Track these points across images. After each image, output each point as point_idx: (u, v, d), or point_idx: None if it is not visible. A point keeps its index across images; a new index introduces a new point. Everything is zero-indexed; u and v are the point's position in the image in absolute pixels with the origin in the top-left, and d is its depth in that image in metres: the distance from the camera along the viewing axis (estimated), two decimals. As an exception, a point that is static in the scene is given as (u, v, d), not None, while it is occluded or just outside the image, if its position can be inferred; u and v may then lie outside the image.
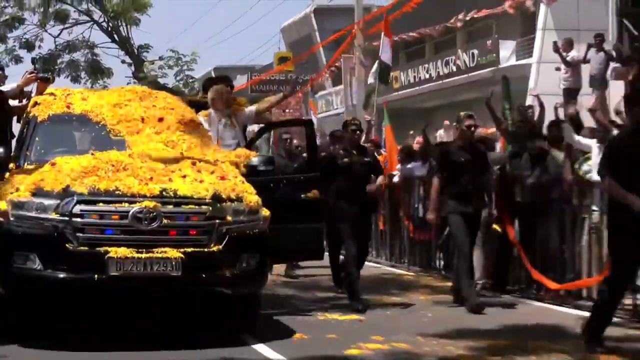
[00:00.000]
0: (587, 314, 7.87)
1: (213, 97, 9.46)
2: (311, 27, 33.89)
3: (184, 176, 7.64)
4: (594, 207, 9.51)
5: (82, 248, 7.14)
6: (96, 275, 7.10)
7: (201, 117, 9.15)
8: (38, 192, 7.33)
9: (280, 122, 10.41)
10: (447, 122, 16.53)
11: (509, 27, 23.47)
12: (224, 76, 10.39)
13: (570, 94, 16.48)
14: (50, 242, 7.18)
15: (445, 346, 7.53)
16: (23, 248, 7.24)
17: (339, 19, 28.45)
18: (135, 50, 20.85)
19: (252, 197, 7.75)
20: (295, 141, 12.19)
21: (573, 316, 8.81)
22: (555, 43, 17.23)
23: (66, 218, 7.18)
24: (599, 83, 16.44)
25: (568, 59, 16.79)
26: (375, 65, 17.26)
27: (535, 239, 10.22)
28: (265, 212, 7.83)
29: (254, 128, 11.07)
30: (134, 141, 8.27)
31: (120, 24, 20.84)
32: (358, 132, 10.13)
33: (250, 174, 8.37)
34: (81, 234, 7.17)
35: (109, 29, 21.13)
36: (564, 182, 9.92)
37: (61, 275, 7.16)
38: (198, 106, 9.42)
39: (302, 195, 9.10)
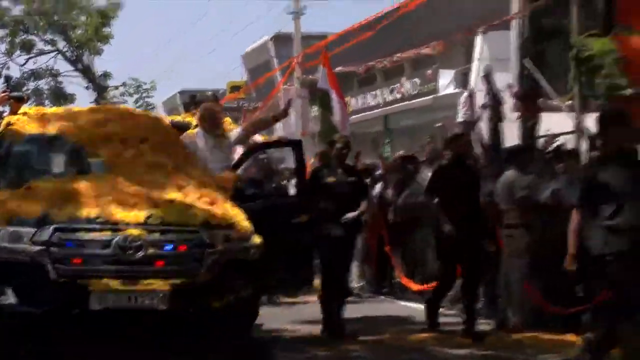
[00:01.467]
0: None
1: (201, 117, 8.93)
2: (269, 54, 34.91)
3: (171, 201, 7.12)
4: None
5: (61, 280, 6.59)
6: (76, 310, 6.56)
7: (187, 138, 8.64)
8: (13, 220, 6.78)
9: (267, 144, 9.87)
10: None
11: (454, 56, 24.57)
12: (212, 94, 9.87)
13: (468, 126, 16.65)
14: (27, 274, 6.62)
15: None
16: (-4, 281, 6.65)
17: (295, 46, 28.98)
18: (98, 78, 21.44)
19: (243, 223, 7.25)
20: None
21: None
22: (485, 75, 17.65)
23: (44, 248, 6.62)
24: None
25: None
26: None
27: (406, 249, 11.91)
28: (257, 239, 7.33)
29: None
30: (115, 163, 7.74)
31: (83, 53, 22.21)
32: (344, 150, 9.69)
33: (237, 197, 7.87)
34: (60, 265, 6.61)
35: (73, 58, 22.44)
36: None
37: (38, 311, 6.58)
38: (180, 127, 8.92)
39: (292, 221, 8.61)
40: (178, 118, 9.75)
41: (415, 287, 11.27)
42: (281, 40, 33.58)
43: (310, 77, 22.96)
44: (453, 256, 9.05)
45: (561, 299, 8.53)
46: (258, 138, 9.70)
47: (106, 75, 22.78)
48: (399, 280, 11.89)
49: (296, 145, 8.89)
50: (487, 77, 16.72)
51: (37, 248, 6.63)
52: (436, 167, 10.31)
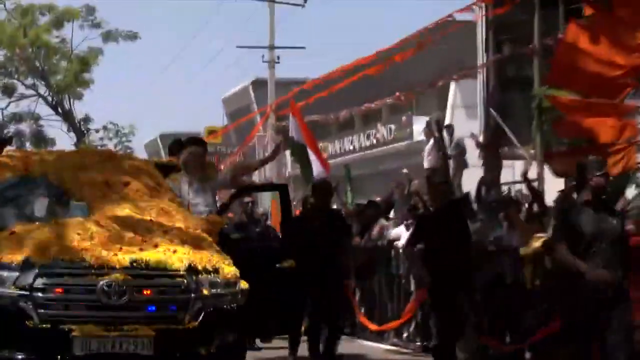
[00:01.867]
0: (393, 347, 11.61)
1: (187, 160, 8.86)
2: (249, 98, 35.36)
3: (156, 245, 7.01)
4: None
5: (43, 325, 6.44)
6: (59, 356, 6.41)
7: (171, 181, 8.55)
8: (-5, 264, 6.65)
9: (254, 187, 9.82)
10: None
11: (429, 102, 25.50)
12: (197, 138, 9.80)
13: (433, 172, 16.95)
14: (8, 319, 6.46)
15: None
16: (-23, 326, 6.50)
17: (276, 91, 29.31)
18: (78, 122, 21.75)
19: (229, 268, 7.14)
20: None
21: (381, 350, 11.24)
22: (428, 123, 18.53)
23: (26, 292, 6.48)
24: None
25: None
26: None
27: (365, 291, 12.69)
28: (244, 284, 7.23)
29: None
30: (99, 207, 7.65)
31: (63, 98, 22.72)
32: (327, 195, 9.66)
33: (222, 241, 7.78)
34: (43, 310, 6.47)
35: (54, 102, 22.97)
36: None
37: (20, 357, 6.44)
38: (165, 170, 8.83)
39: (277, 265, 8.53)
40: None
41: (373, 327, 12.12)
42: (261, 85, 33.60)
43: (283, 123, 23.33)
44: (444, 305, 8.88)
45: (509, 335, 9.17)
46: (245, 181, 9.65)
47: (86, 120, 22.79)
48: (359, 320, 12.58)
49: (282, 189, 8.83)
50: (436, 125, 17.58)
51: (20, 292, 6.50)
52: (419, 215, 10.45)
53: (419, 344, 11.45)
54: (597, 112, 9.20)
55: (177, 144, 9.57)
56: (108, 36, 22.23)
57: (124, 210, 7.62)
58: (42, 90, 23.28)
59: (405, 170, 16.20)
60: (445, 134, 17.79)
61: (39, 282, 6.53)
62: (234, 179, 9.23)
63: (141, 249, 6.90)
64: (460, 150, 18.00)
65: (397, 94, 20.84)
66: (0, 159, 8.15)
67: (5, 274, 6.58)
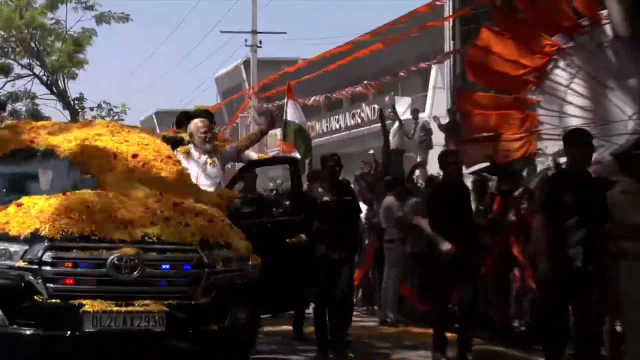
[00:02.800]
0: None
1: (193, 132, 8.67)
2: (241, 77, 36.22)
3: (167, 219, 6.81)
4: None
5: (53, 300, 6.24)
6: (69, 332, 6.21)
7: (179, 154, 8.36)
8: (2, 237, 6.42)
9: (263, 160, 9.61)
10: None
11: (416, 83, 26.80)
12: (204, 110, 9.59)
13: (397, 153, 17.88)
14: (17, 293, 6.26)
15: None
16: (-16, 300, 6.30)
17: (266, 70, 30.32)
18: (72, 101, 22.94)
19: (241, 242, 6.97)
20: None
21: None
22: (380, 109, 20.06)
23: (35, 266, 6.27)
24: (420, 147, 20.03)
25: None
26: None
27: None
28: (256, 259, 7.05)
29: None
30: (106, 180, 7.45)
31: (58, 77, 22.81)
32: (337, 168, 9.44)
33: (233, 216, 7.59)
34: (52, 285, 6.26)
35: (48, 82, 22.92)
36: None
37: (29, 332, 6.23)
38: (173, 142, 8.64)
39: (287, 240, 8.35)
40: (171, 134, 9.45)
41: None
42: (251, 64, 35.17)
43: (266, 105, 23.52)
44: (451, 276, 8.70)
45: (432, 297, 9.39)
46: (253, 155, 9.45)
47: (80, 98, 23.75)
48: None
49: (293, 163, 8.64)
50: (394, 111, 19.87)
51: (28, 266, 6.30)
52: (430, 189, 10.47)
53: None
54: (505, 106, 10.80)
55: (185, 116, 9.37)
56: (101, 18, 22.29)
57: (133, 183, 7.43)
58: (38, 70, 23.41)
59: (371, 151, 16.90)
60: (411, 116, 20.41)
61: (48, 256, 6.33)
62: (239, 152, 9.04)
63: (152, 223, 6.71)
64: (427, 131, 19.87)
65: (372, 83, 22.25)
66: (4, 130, 7.96)
67: (13, 247, 6.37)
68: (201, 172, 8.34)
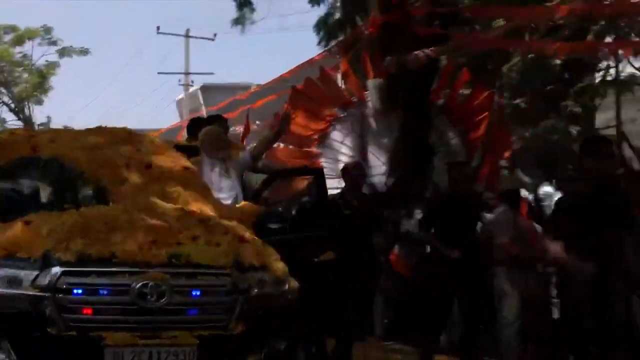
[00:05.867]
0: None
1: (204, 140, 7.90)
2: (198, 101, 39.74)
3: (195, 237, 6.02)
4: None
5: (69, 333, 5.43)
6: (89, 369, 5.43)
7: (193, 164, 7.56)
8: (10, 260, 5.60)
9: (286, 171, 8.85)
10: None
11: None
12: (216, 115, 8.80)
13: None
14: (27, 325, 5.46)
15: None
16: (-10, 334, 5.46)
17: (222, 95, 32.03)
18: (37, 126, 25.40)
19: (278, 264, 6.17)
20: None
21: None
22: None
23: (48, 294, 5.45)
24: None
25: None
26: None
27: None
28: (293, 282, 6.27)
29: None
30: (120, 193, 6.64)
31: (24, 105, 26.09)
32: (360, 177, 8.79)
33: (258, 232, 6.80)
34: (68, 315, 5.44)
35: (16, 109, 26.26)
36: None
37: (41, 370, 5.45)
38: (186, 151, 7.85)
39: (315, 259, 7.59)
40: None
41: None
42: (208, 90, 39.55)
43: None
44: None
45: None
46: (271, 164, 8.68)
47: (46, 123, 27.01)
48: None
49: (319, 174, 7.87)
50: None
51: (40, 294, 5.48)
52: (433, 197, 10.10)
53: None
54: (297, 157, 13.33)
55: (195, 122, 8.59)
56: (63, 52, 25.58)
57: (149, 196, 6.64)
58: (6, 98, 26.65)
59: None
60: None
61: (63, 282, 5.51)
62: (255, 159, 8.26)
63: (179, 243, 5.91)
64: None
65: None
66: (2, 137, 7.14)
67: (22, 272, 5.55)
68: (215, 185, 7.56)
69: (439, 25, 11.34)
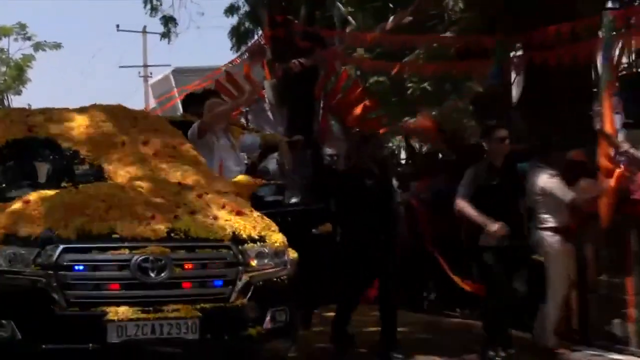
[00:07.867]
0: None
1: (212, 110, 7.84)
2: (170, 84, 40.51)
3: (192, 212, 6.07)
4: None
5: (72, 310, 5.49)
6: (92, 344, 5.47)
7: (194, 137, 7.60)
8: (10, 239, 5.65)
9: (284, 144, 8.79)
10: None
11: None
12: (213, 90, 8.79)
13: None
14: (30, 303, 5.51)
15: None
16: (-6, 313, 5.52)
17: (193, 77, 32.77)
18: None
19: (276, 236, 6.22)
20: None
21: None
22: None
23: (50, 271, 5.51)
24: None
25: None
26: None
27: None
28: (292, 253, 6.33)
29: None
30: (116, 170, 6.68)
31: (4, 97, 26.70)
32: (380, 149, 8.41)
33: (256, 205, 6.84)
34: (70, 292, 5.51)
35: None
36: None
37: (45, 346, 5.48)
38: (181, 128, 7.85)
39: (314, 230, 7.63)
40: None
41: None
42: (179, 72, 39.82)
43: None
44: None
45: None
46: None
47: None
48: None
49: (315, 147, 7.90)
50: None
51: (42, 272, 5.53)
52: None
53: None
54: None
55: (190, 98, 8.60)
56: (37, 47, 26.65)
57: (146, 173, 6.68)
58: None
59: None
60: None
61: (64, 259, 5.56)
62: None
63: (177, 217, 5.96)
64: None
65: None
66: (-2, 118, 7.17)
67: (23, 250, 5.59)
68: (224, 157, 7.56)
69: (313, 39, 12.96)
